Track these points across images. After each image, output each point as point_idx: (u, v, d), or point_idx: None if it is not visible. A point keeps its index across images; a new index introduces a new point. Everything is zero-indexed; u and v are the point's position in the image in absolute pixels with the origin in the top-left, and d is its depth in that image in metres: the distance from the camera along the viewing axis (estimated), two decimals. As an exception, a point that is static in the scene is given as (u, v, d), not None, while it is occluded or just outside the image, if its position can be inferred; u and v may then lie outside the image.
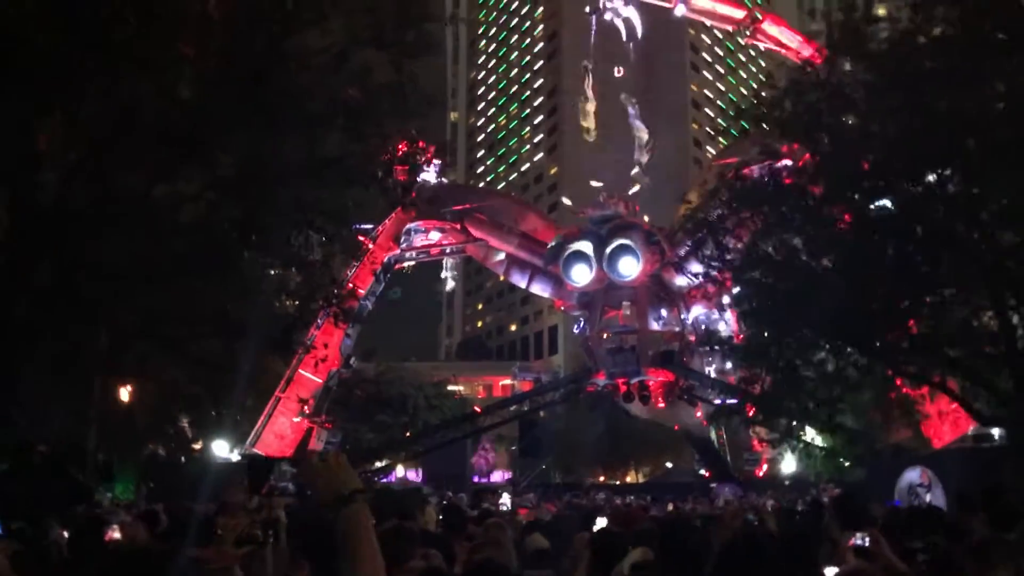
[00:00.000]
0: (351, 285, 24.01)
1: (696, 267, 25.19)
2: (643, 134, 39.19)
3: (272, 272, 11.46)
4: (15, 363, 12.56)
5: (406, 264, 31.92)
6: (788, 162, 16.99)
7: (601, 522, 7.24)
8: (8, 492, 8.26)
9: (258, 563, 4.71)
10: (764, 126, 17.07)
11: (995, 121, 12.98)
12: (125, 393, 21.73)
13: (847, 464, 25.76)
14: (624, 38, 30.91)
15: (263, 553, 4.73)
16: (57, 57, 9.22)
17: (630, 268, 31.25)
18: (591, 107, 38.17)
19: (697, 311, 32.16)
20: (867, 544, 4.97)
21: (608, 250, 31.27)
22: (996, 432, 17.45)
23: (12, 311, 11.77)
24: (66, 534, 7.22)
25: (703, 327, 32.94)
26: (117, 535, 5.03)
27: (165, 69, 9.20)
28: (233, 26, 8.51)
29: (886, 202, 14.24)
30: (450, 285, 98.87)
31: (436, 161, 22.36)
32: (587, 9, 30.54)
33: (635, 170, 38.90)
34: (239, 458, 25.13)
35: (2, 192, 11.82)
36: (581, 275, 31.79)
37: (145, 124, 10.09)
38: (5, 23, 9.00)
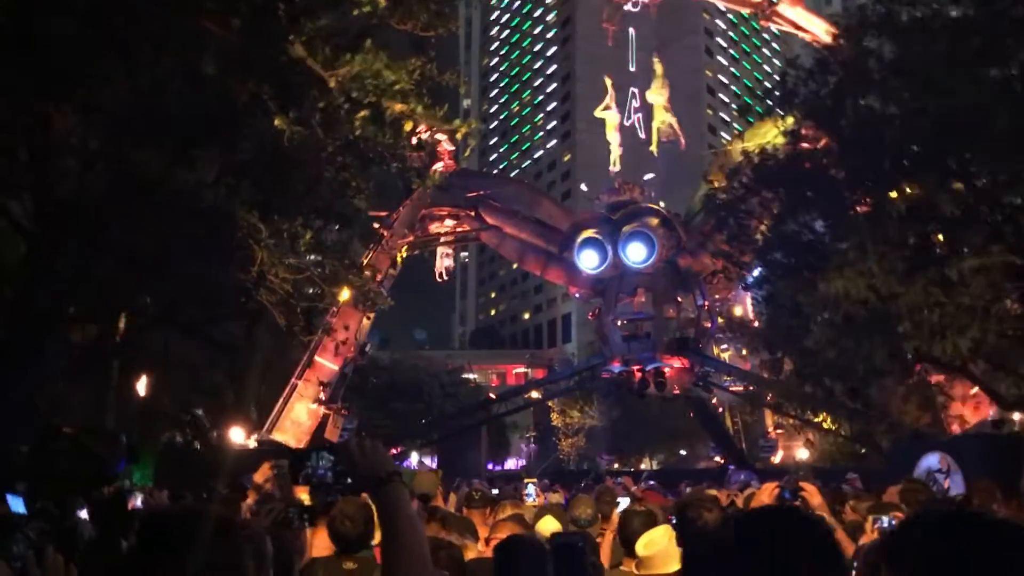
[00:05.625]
0: (368, 272, 23.98)
1: (712, 252, 25.07)
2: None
3: (289, 262, 11.44)
4: (38, 349, 12.66)
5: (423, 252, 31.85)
6: (806, 145, 16.85)
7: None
8: (32, 472, 8.31)
9: (289, 539, 4.73)
10: (783, 109, 16.94)
11: (1016, 103, 12.81)
12: (143, 380, 21.83)
13: (863, 451, 25.63)
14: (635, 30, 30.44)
15: (297, 533, 4.76)
16: (76, 42, 9.19)
17: (644, 254, 31.04)
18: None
19: (713, 297, 32.03)
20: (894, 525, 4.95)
21: (622, 236, 31.11)
22: (1017, 417, 17.32)
23: (35, 297, 11.84)
24: (84, 515, 7.27)
25: (719, 313, 32.83)
26: (139, 503, 5.07)
27: (187, 46, 9.19)
28: (255, 2, 8.48)
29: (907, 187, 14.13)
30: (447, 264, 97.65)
31: (451, 150, 22.29)
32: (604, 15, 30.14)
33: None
34: (255, 445, 25.21)
35: (24, 180, 11.86)
36: (590, 261, 31.62)
37: (165, 106, 10.09)
38: (21, 8, 8.98)
